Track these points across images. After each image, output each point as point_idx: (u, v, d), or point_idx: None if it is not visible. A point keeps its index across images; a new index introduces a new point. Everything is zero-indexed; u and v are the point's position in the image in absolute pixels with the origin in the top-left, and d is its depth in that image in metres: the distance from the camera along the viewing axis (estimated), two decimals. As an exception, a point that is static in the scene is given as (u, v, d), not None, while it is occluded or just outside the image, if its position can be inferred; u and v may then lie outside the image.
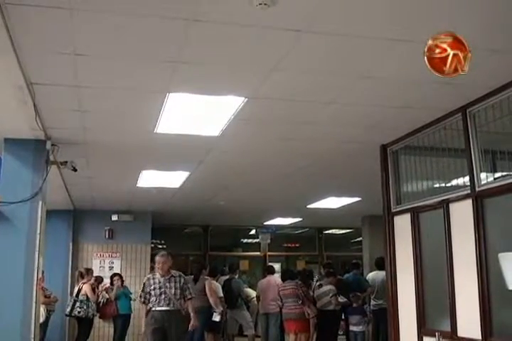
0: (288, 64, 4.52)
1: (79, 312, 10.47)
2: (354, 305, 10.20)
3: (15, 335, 5.82)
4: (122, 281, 11.56)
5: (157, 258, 8.22)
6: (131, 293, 11.59)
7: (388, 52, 4.32)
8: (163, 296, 7.93)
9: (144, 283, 8.21)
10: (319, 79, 4.89)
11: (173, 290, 7.98)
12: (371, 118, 6.06)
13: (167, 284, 8.01)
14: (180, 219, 15.10)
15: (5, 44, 3.91)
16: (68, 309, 10.52)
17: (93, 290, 10.82)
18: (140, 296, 8.16)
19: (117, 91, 5.18)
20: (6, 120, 5.70)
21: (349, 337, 10.56)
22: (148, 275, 8.40)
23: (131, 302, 11.42)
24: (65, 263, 12.69)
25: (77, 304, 10.44)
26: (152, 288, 8.02)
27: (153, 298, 7.96)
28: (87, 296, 10.60)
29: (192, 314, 8.18)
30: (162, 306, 7.91)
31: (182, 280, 8.13)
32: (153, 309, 7.97)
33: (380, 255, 9.81)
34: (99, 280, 11.51)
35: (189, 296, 8.15)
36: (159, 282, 8.04)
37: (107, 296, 11.25)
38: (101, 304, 11.16)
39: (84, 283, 10.78)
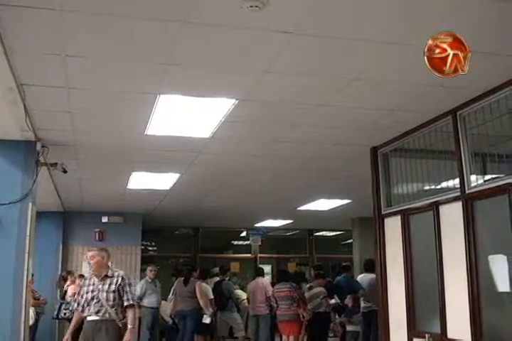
0: (279, 66, 4.52)
1: (65, 313, 10.42)
2: (349, 305, 10.18)
3: (4, 337, 5.78)
4: None
5: (88, 253, 6.73)
6: None
7: (379, 54, 4.33)
8: (93, 302, 6.33)
9: (80, 285, 6.83)
10: (310, 81, 4.89)
11: (105, 295, 6.32)
12: (362, 121, 6.07)
13: (100, 287, 6.39)
14: (170, 221, 15.06)
15: (-5, 45, 3.90)
16: (55, 312, 10.48)
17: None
18: (74, 300, 7.00)
19: (108, 93, 5.17)
20: (-5, 121, 5.68)
21: (346, 337, 10.52)
22: (87, 275, 6.99)
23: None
24: (54, 265, 12.62)
25: (63, 306, 10.39)
26: (85, 290, 6.47)
27: (84, 304, 6.42)
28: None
29: (129, 327, 6.29)
30: (91, 315, 6.32)
31: (119, 280, 6.41)
32: (85, 319, 6.46)
33: (370, 257, 9.82)
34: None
35: (126, 303, 6.35)
36: (93, 284, 6.48)
37: None
38: None
39: (69, 285, 10.77)
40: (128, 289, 6.42)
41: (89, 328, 6.29)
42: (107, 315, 6.26)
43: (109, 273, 6.45)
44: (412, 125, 6.25)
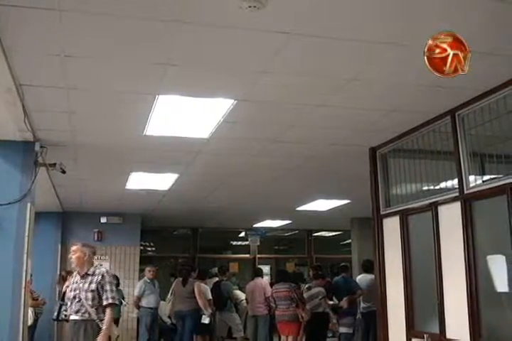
0: (277, 66, 4.53)
1: (66, 315, 10.40)
2: (344, 307, 10.17)
3: (3, 338, 5.78)
4: (118, 283, 11.46)
5: (71, 248, 6.39)
6: (123, 298, 11.53)
7: (377, 55, 4.33)
8: (75, 301, 6.07)
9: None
10: (308, 81, 4.89)
11: (84, 293, 6.03)
12: (360, 121, 6.08)
13: (81, 285, 6.10)
14: (169, 221, 15.06)
15: (-7, 45, 3.90)
16: (55, 314, 10.46)
17: None
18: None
19: (106, 93, 5.17)
20: (-6, 122, 5.68)
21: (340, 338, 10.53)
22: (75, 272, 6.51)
23: (121, 306, 11.37)
24: (53, 265, 12.61)
25: (63, 307, 10.36)
26: (70, 289, 6.26)
27: (68, 303, 6.21)
28: None
29: (104, 326, 5.94)
30: (72, 314, 6.10)
31: (99, 278, 6.08)
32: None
33: (369, 257, 9.82)
34: None
35: (105, 302, 6.01)
36: (76, 282, 6.22)
37: None
38: None
39: (67, 286, 10.74)
40: (108, 288, 6.07)
41: (70, 328, 6.12)
42: (87, 314, 5.98)
43: (90, 271, 6.13)
44: (410, 125, 6.25)
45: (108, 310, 6.01)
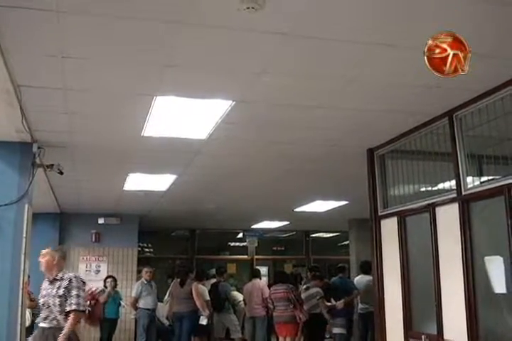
0: (275, 67, 4.53)
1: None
2: (338, 308, 10.16)
3: (1, 339, 5.78)
4: (116, 284, 11.47)
5: (42, 251, 6.16)
6: (121, 299, 11.52)
7: (375, 56, 4.33)
8: (44, 307, 5.83)
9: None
10: (306, 82, 4.90)
11: (52, 299, 5.78)
12: (358, 123, 6.08)
13: (49, 291, 5.87)
14: (167, 222, 15.06)
15: (-9, 46, 3.89)
16: None
17: None
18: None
19: (104, 94, 5.16)
20: (-9, 122, 5.67)
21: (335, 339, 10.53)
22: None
23: (120, 307, 11.38)
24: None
25: None
26: (40, 295, 6.01)
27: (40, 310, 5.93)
28: None
29: (64, 331, 5.62)
30: (40, 321, 5.83)
31: (66, 283, 5.83)
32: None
33: (367, 258, 9.83)
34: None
35: (69, 307, 5.72)
36: (46, 288, 5.98)
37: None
38: (86, 310, 11.04)
39: None
40: (75, 293, 5.79)
41: (38, 336, 5.79)
42: (55, 321, 5.73)
43: (59, 276, 5.91)
44: (408, 127, 6.25)
45: (71, 316, 5.71)
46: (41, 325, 5.78)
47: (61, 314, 5.71)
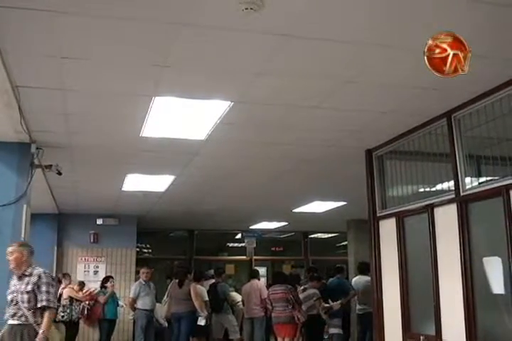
0: (274, 68, 4.53)
1: (62, 316, 10.47)
2: (334, 308, 10.16)
3: (-1, 340, 5.76)
4: (109, 284, 11.47)
5: (7, 249, 5.78)
6: (118, 299, 11.52)
7: (373, 56, 4.34)
8: (12, 303, 5.60)
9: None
10: (305, 83, 4.90)
11: (20, 296, 5.57)
12: (356, 123, 6.08)
13: (18, 287, 5.64)
14: (165, 223, 15.05)
15: (-10, 47, 3.89)
16: None
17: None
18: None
19: (103, 95, 5.16)
20: (-10, 123, 5.67)
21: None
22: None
23: (118, 307, 11.37)
24: (49, 267, 12.54)
25: (60, 309, 10.40)
26: (8, 292, 5.73)
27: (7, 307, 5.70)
28: (70, 300, 10.64)
29: (41, 330, 5.47)
30: (8, 319, 5.60)
31: (35, 279, 5.61)
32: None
33: (365, 259, 9.83)
34: (82, 285, 11.47)
35: (40, 304, 5.55)
36: (14, 284, 5.73)
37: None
38: (85, 310, 11.07)
39: (64, 288, 10.78)
40: (45, 289, 5.59)
41: (6, 334, 5.56)
42: (23, 318, 5.52)
43: (27, 272, 5.66)
44: (406, 127, 6.25)
45: (46, 313, 5.57)
46: (10, 322, 5.58)
47: (29, 310, 5.52)
